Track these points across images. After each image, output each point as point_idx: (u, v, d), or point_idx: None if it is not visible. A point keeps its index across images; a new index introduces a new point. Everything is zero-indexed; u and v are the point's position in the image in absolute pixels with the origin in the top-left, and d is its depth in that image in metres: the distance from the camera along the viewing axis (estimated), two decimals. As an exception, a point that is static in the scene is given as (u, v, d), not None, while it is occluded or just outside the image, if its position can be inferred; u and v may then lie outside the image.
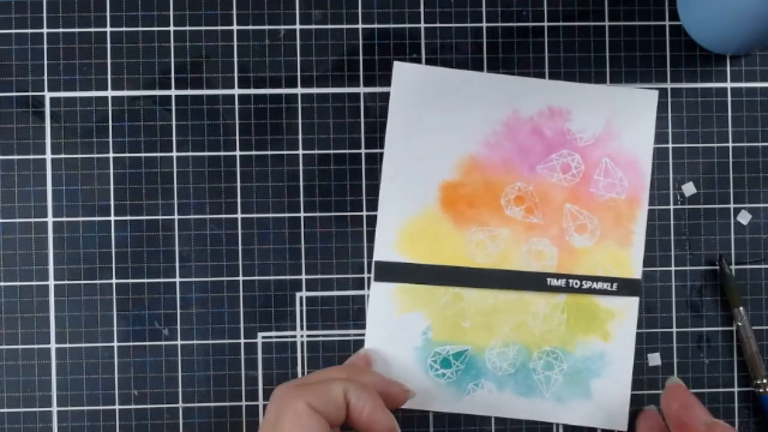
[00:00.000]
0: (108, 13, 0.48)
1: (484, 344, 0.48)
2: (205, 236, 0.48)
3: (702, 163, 0.49)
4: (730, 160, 0.49)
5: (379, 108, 0.48)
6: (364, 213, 0.48)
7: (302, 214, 0.48)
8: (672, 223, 0.49)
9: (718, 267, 0.48)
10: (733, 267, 0.49)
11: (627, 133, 0.48)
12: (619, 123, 0.48)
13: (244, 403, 0.48)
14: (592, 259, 0.48)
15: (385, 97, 0.48)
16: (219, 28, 0.48)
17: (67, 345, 0.47)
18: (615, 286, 0.48)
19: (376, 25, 0.48)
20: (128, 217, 0.48)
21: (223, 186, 0.48)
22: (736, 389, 0.48)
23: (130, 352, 0.47)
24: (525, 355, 0.48)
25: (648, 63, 0.49)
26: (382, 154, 0.48)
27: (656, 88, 0.49)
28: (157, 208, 0.48)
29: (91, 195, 0.48)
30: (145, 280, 0.47)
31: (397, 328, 0.48)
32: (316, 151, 0.48)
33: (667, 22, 0.49)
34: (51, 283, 0.47)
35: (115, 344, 0.47)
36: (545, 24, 0.49)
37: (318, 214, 0.48)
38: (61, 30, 0.47)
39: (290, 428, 0.38)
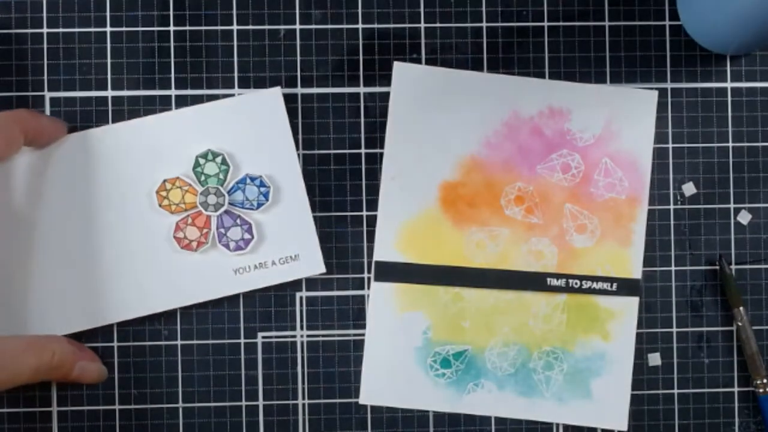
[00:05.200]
0: (108, 13, 0.48)
1: (484, 344, 0.48)
2: (205, 236, 0.48)
3: (702, 163, 0.49)
4: (730, 160, 0.49)
5: (379, 108, 0.48)
6: (364, 213, 0.48)
7: (302, 214, 0.48)
8: (672, 223, 0.49)
9: (718, 267, 0.48)
10: (733, 267, 0.49)
11: (627, 133, 0.48)
12: (619, 123, 0.48)
13: (244, 403, 0.48)
14: (592, 259, 0.48)
15: (385, 97, 0.48)
16: (219, 28, 0.48)
17: (67, 345, 0.47)
18: (615, 286, 0.48)
19: (376, 25, 0.48)
20: (128, 217, 0.47)
21: (223, 186, 0.48)
22: (736, 389, 0.48)
23: (130, 352, 0.47)
24: (525, 355, 0.48)
25: (648, 63, 0.49)
26: (382, 154, 0.48)
27: (656, 88, 0.49)
28: (157, 208, 0.48)
29: (91, 195, 0.48)
30: (145, 280, 0.47)
31: (397, 328, 0.48)
32: (316, 151, 0.48)
33: (667, 22, 0.49)
34: (51, 283, 0.47)
35: (115, 344, 0.47)
36: (545, 24, 0.49)
37: (318, 214, 0.48)
38: (61, 30, 0.47)
39: None
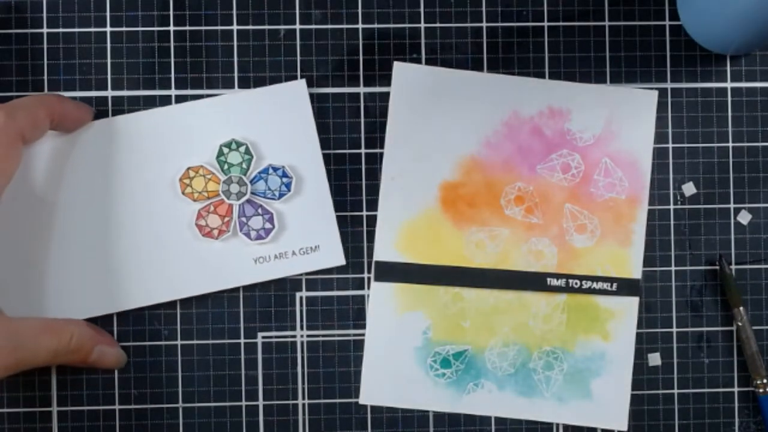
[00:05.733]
0: (108, 13, 0.48)
1: (484, 344, 0.48)
2: (205, 236, 0.48)
3: (702, 163, 0.49)
4: (730, 160, 0.49)
5: (379, 108, 0.48)
6: (364, 213, 0.48)
7: (302, 214, 0.48)
8: (672, 223, 0.49)
9: (718, 267, 0.48)
10: (733, 267, 0.49)
11: (627, 133, 0.48)
12: (619, 123, 0.48)
13: (244, 403, 0.48)
14: (592, 259, 0.48)
15: (385, 97, 0.48)
16: (219, 28, 0.48)
17: (67, 345, 0.47)
18: (615, 286, 0.48)
19: (376, 25, 0.48)
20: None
21: (223, 186, 0.48)
22: (736, 389, 0.48)
23: (130, 352, 0.47)
24: (525, 355, 0.48)
25: (648, 63, 0.49)
26: (382, 154, 0.48)
27: (656, 88, 0.49)
28: (157, 208, 0.48)
29: (91, 195, 0.47)
30: (145, 280, 0.47)
31: (398, 328, 0.48)
32: (316, 151, 0.48)
33: (667, 22, 0.49)
34: (51, 283, 0.47)
35: (115, 344, 0.47)
36: (545, 24, 0.49)
37: (318, 214, 0.48)
38: (61, 30, 0.47)
39: None
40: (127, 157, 0.47)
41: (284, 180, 0.46)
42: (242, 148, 0.46)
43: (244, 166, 0.46)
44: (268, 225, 0.46)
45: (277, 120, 0.47)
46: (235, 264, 0.46)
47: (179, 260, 0.46)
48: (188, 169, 0.46)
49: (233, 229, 0.46)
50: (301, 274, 0.47)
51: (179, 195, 0.46)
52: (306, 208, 0.47)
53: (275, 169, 0.46)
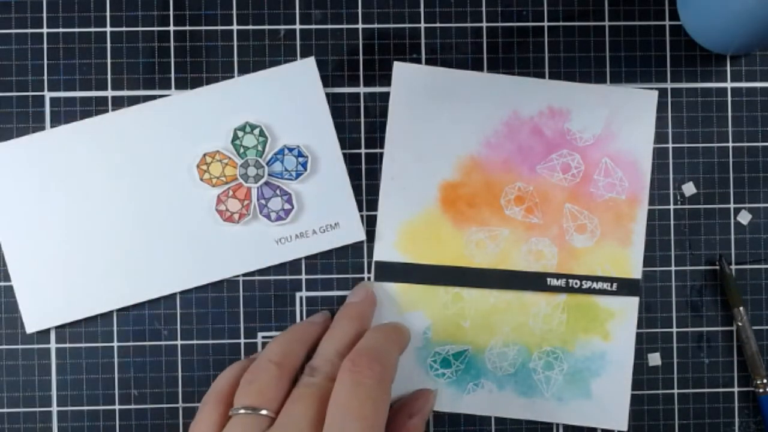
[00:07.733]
0: (108, 13, 0.48)
1: (484, 344, 0.48)
2: (205, 236, 0.48)
3: (702, 163, 0.49)
4: (730, 160, 0.49)
5: (379, 108, 0.48)
6: (364, 213, 0.48)
7: (302, 214, 0.48)
8: (672, 223, 0.49)
9: (718, 267, 0.48)
10: (733, 267, 0.49)
11: (627, 132, 0.48)
12: (619, 123, 0.48)
13: (244, 403, 0.47)
14: (592, 259, 0.48)
15: (385, 97, 0.48)
16: (219, 28, 0.48)
17: (67, 345, 0.47)
18: (615, 286, 0.48)
19: (376, 25, 0.48)
20: (128, 217, 0.47)
21: (223, 186, 0.48)
22: (736, 389, 0.48)
23: (130, 352, 0.47)
24: (525, 355, 0.48)
25: (648, 63, 0.49)
26: (382, 154, 0.48)
27: (656, 88, 0.49)
28: (157, 208, 0.48)
29: (91, 195, 0.47)
30: (145, 280, 0.47)
31: (397, 328, 0.48)
32: (316, 151, 0.48)
33: (667, 22, 0.49)
34: (51, 283, 0.47)
35: (115, 344, 0.47)
36: (545, 24, 0.49)
37: (318, 214, 0.48)
38: (60, 30, 0.47)
39: None
40: (144, 147, 0.47)
41: (300, 159, 0.46)
42: (256, 131, 0.46)
43: (259, 148, 0.46)
44: (287, 206, 0.46)
45: (289, 100, 0.47)
46: (258, 246, 0.47)
47: (202, 246, 0.47)
48: (205, 155, 0.46)
49: (253, 212, 0.47)
50: (301, 275, 0.47)
51: (197, 182, 0.46)
52: (323, 187, 0.47)
53: (290, 150, 0.46)
